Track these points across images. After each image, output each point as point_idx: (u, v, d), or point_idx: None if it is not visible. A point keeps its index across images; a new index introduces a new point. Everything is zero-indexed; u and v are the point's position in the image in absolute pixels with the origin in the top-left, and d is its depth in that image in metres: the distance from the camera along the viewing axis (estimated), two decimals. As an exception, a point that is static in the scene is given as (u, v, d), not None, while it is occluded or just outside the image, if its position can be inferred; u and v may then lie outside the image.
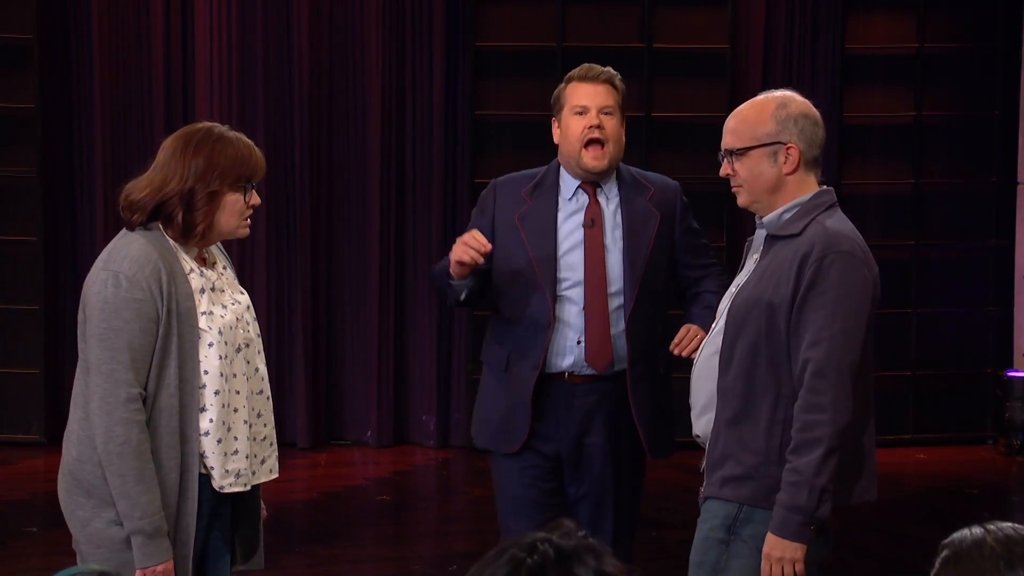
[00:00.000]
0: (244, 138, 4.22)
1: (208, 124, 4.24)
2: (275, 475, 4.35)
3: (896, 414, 9.92)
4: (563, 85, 5.20)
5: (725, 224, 9.71)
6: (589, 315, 5.08)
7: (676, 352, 5.00)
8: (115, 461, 4.04)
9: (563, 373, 5.12)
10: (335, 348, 9.83)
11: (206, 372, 4.13)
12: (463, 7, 9.66)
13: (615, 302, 5.11)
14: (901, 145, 9.92)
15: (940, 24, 9.89)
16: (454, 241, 5.05)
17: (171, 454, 4.09)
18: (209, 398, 4.13)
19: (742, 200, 4.26)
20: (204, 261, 4.23)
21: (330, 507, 8.34)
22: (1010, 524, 2.58)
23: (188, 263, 4.17)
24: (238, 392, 4.20)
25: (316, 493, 8.46)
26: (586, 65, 5.22)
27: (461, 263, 4.95)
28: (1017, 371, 9.82)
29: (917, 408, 9.97)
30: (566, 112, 5.14)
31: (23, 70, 9.46)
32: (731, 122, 4.24)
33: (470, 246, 4.91)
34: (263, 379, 4.32)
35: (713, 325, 4.37)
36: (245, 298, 4.32)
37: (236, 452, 4.18)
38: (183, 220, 4.12)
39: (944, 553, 2.56)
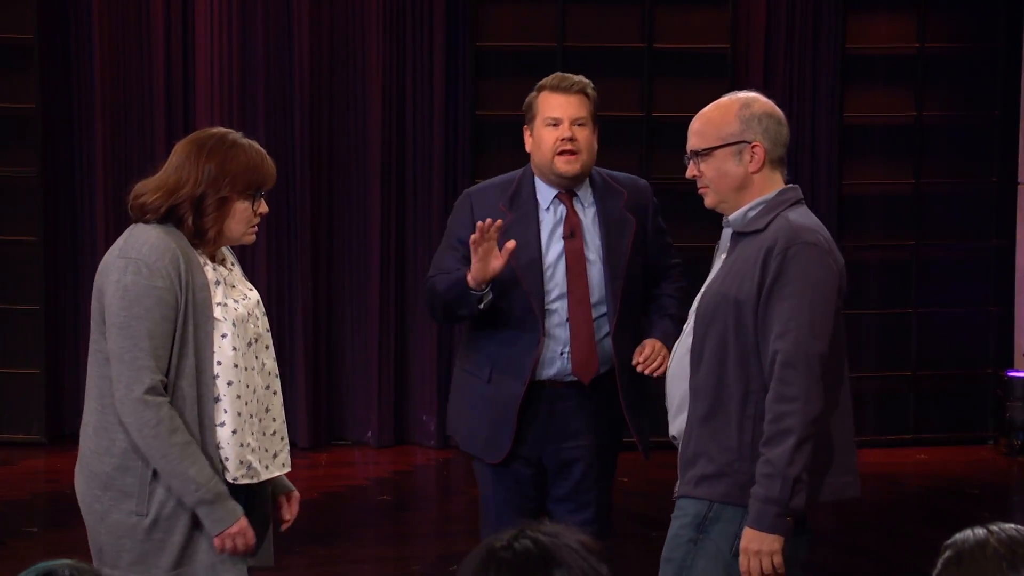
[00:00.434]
0: (256, 146, 4.23)
1: (222, 130, 4.25)
2: (287, 468, 4.35)
3: (897, 414, 9.92)
4: (535, 94, 5.18)
5: (725, 224, 9.69)
6: (574, 327, 5.07)
7: (640, 370, 5.03)
8: (154, 445, 4.03)
9: (547, 381, 5.12)
10: (335, 348, 9.83)
11: (219, 363, 4.14)
12: (463, 7, 9.65)
13: (598, 311, 5.11)
14: (901, 145, 9.90)
15: (940, 24, 9.88)
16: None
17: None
18: (223, 388, 4.13)
19: (709, 201, 4.28)
20: (213, 257, 4.24)
21: (330, 507, 8.33)
22: (1013, 525, 2.57)
23: (201, 256, 4.19)
24: (248, 385, 4.20)
25: (316, 493, 8.45)
26: (558, 74, 5.21)
27: (486, 262, 4.90)
28: (1018, 371, 9.79)
29: (918, 408, 9.94)
30: (538, 123, 5.12)
31: (24, 70, 9.45)
32: (695, 124, 4.28)
33: (487, 233, 4.88)
34: (271, 374, 4.32)
35: (685, 324, 4.39)
36: (254, 294, 4.33)
37: (247, 444, 4.18)
38: (193, 224, 4.13)
39: (946, 554, 2.56)
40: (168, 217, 4.14)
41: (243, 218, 4.18)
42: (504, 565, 2.32)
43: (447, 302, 5.11)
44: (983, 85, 9.92)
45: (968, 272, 9.99)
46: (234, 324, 4.16)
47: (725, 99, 4.29)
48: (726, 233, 4.31)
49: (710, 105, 4.31)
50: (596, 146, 5.17)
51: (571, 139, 5.06)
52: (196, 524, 4.13)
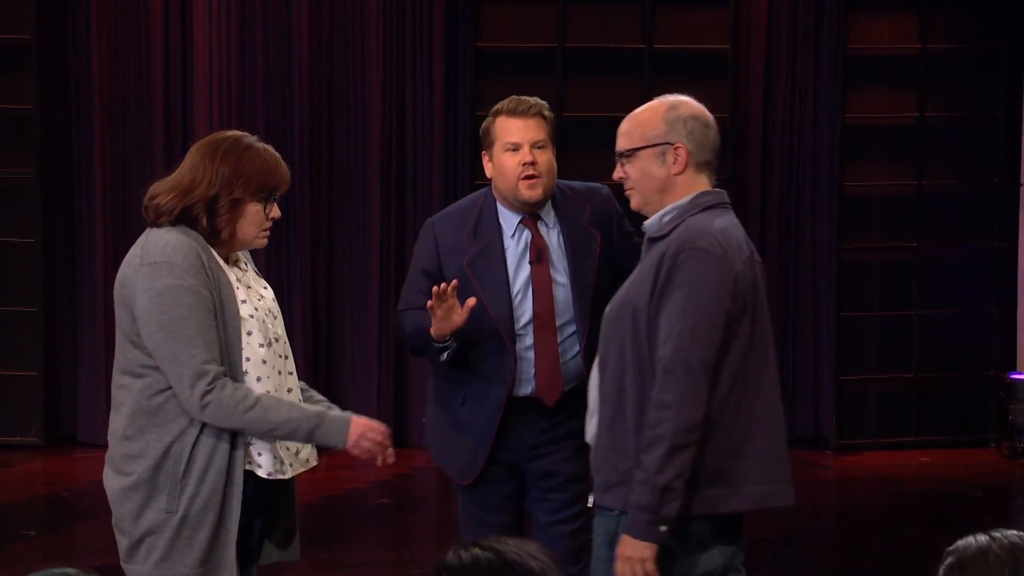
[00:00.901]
0: (271, 150, 4.26)
1: (238, 133, 4.28)
2: (314, 463, 4.37)
3: (898, 417, 9.91)
4: (491, 119, 5.14)
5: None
6: (539, 352, 5.07)
7: None
8: (258, 423, 4.09)
9: (519, 399, 5.12)
10: (335, 349, 9.81)
11: (248, 359, 4.18)
12: (464, 7, 9.64)
13: (568, 331, 5.11)
14: (903, 146, 9.89)
15: (942, 24, 9.87)
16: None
17: (223, 441, 4.13)
18: (252, 385, 4.16)
19: (634, 203, 4.25)
20: (227, 259, 4.27)
21: (330, 510, 8.32)
22: (1015, 532, 2.58)
23: (217, 256, 4.21)
24: (274, 383, 4.24)
25: (316, 496, 8.43)
26: (514, 98, 5.16)
27: (444, 322, 4.90)
28: (1020, 373, 9.79)
29: (919, 411, 9.93)
30: (497, 148, 5.09)
31: (22, 71, 9.45)
32: (624, 125, 4.25)
33: (443, 300, 4.85)
34: (291, 374, 4.34)
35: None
36: (269, 293, 4.37)
37: (277, 440, 4.22)
38: (207, 224, 4.16)
39: (949, 560, 2.57)
40: (182, 218, 4.16)
41: (255, 220, 4.21)
42: (453, 570, 2.38)
43: (412, 347, 5.18)
44: (985, 85, 9.91)
45: (970, 273, 9.98)
46: (258, 323, 4.21)
47: (655, 101, 4.25)
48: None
49: (641, 107, 4.28)
50: (556, 167, 5.15)
51: (532, 163, 5.04)
52: (221, 522, 4.15)
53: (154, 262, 4.10)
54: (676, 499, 3.98)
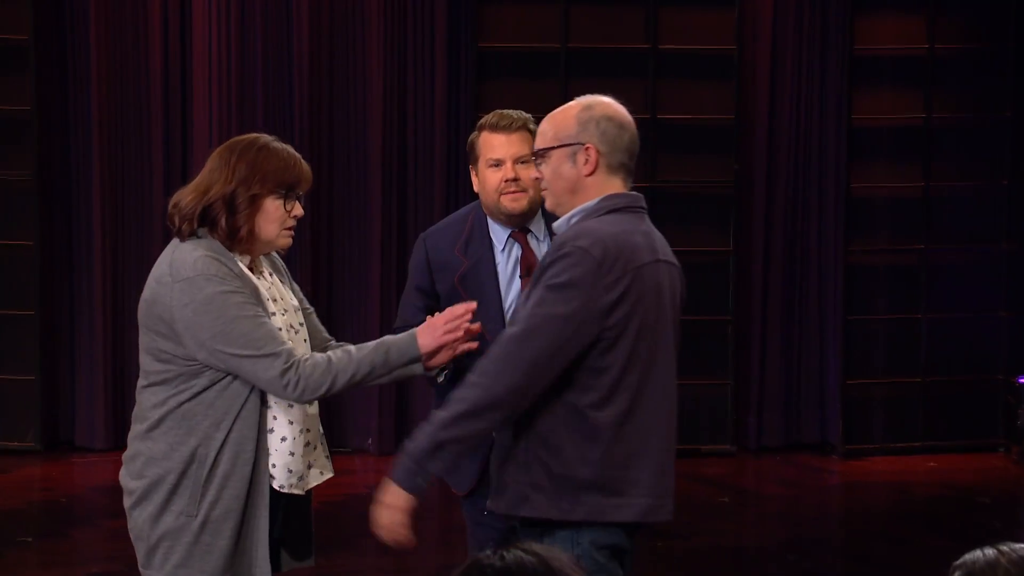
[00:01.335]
0: (291, 150, 4.31)
1: (256, 135, 4.34)
2: (329, 474, 4.45)
3: (906, 421, 9.90)
4: (476, 133, 5.13)
5: (732, 228, 9.65)
6: None
7: None
8: (343, 380, 4.17)
9: None
10: (336, 354, 9.76)
11: None
12: (466, 7, 9.65)
13: None
14: (911, 147, 9.88)
15: (950, 25, 9.87)
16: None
17: (247, 447, 4.16)
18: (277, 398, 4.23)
19: (548, 203, 4.26)
20: (252, 271, 4.30)
21: (331, 516, 8.28)
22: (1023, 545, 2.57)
23: (242, 266, 4.25)
24: None
25: (316, 503, 8.34)
26: (498, 112, 5.13)
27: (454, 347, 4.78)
28: (1029, 377, 9.82)
29: (927, 415, 9.92)
30: (481, 164, 5.08)
31: (19, 72, 9.45)
32: (542, 125, 4.26)
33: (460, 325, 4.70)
34: None
35: None
36: (294, 301, 4.40)
37: (293, 454, 4.26)
38: (227, 224, 4.18)
39: (956, 574, 2.52)
40: (203, 221, 4.19)
41: (275, 217, 4.23)
42: (496, 571, 2.38)
43: None
44: (993, 86, 9.90)
45: (978, 276, 9.97)
46: (285, 334, 4.24)
47: (573, 101, 4.25)
48: None
49: (560, 107, 4.27)
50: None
51: (515, 179, 5.01)
52: (244, 531, 4.18)
53: (187, 278, 4.13)
54: (445, 461, 4.03)
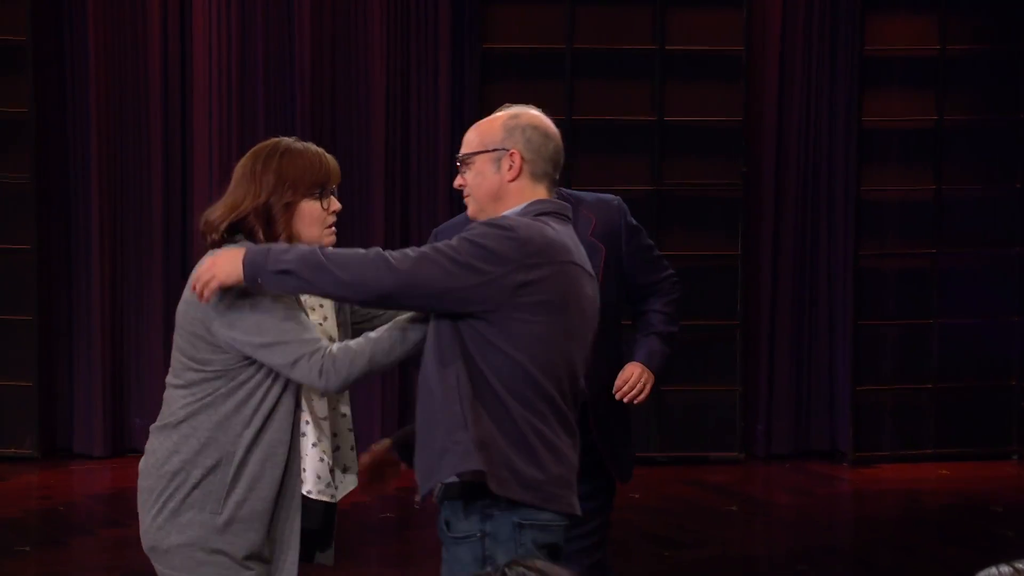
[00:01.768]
0: (313, 147, 4.33)
1: (276, 139, 4.35)
2: (353, 486, 4.47)
3: (917, 428, 9.84)
4: None
5: (740, 231, 9.59)
6: None
7: (619, 397, 5.08)
8: (377, 363, 4.14)
9: None
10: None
11: None
12: (470, 8, 9.61)
13: None
14: (922, 150, 9.82)
15: (962, 25, 9.81)
16: None
17: (280, 450, 4.17)
18: (306, 401, 4.26)
19: (470, 210, 4.31)
20: None
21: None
22: None
23: None
24: (329, 404, 4.35)
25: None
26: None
27: None
28: (1042, 384, 9.77)
29: (938, 422, 9.84)
30: None
31: (17, 73, 9.40)
32: (467, 135, 4.33)
33: None
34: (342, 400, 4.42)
35: None
36: (327, 311, 4.39)
37: (322, 460, 4.30)
38: (265, 236, 4.20)
39: None
40: (237, 232, 4.20)
41: (314, 219, 4.26)
42: None
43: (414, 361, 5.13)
44: (1006, 87, 9.84)
45: (991, 281, 9.91)
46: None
47: (499, 111, 4.34)
48: None
49: (486, 117, 4.37)
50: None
51: None
52: (272, 534, 4.21)
53: None
54: (284, 285, 4.02)
